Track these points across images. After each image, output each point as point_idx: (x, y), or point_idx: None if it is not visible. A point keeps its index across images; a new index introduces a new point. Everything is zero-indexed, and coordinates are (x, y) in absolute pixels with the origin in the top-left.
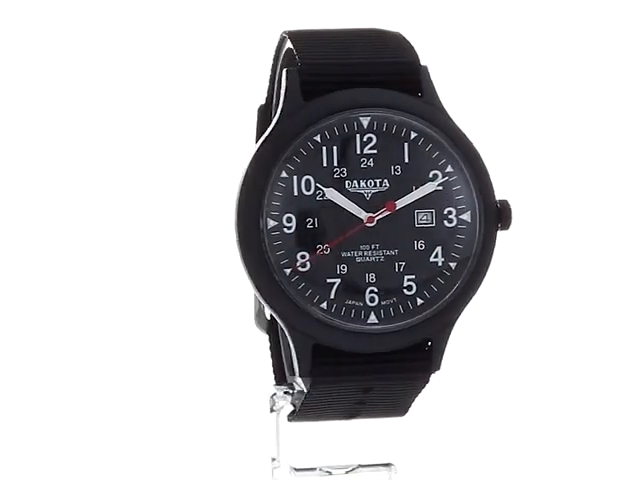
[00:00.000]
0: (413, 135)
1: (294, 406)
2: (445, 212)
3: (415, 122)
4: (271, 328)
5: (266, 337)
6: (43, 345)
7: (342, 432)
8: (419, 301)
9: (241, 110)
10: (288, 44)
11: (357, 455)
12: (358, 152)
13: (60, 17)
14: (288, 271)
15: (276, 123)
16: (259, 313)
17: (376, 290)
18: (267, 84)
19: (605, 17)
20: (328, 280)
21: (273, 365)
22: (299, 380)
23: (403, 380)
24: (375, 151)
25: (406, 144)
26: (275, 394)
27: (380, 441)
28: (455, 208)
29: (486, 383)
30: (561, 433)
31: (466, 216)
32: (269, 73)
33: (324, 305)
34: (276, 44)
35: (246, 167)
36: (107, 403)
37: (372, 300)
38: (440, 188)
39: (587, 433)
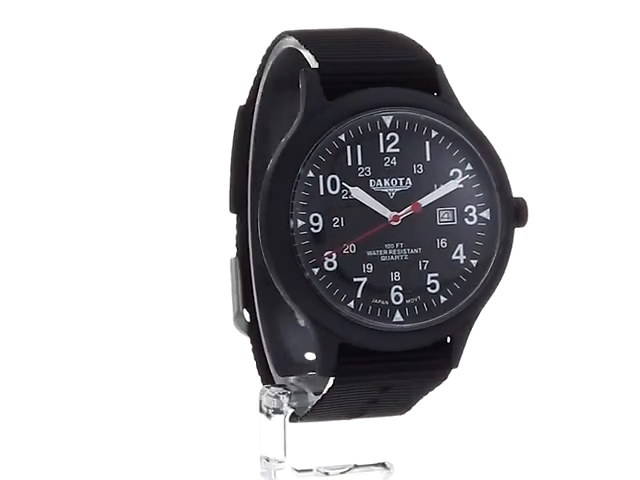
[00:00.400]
0: (434, 134)
1: (293, 408)
2: (466, 210)
3: (436, 120)
4: (251, 329)
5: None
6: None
7: (338, 432)
8: (442, 299)
9: (217, 110)
10: (289, 44)
11: (354, 455)
12: (381, 151)
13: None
14: (316, 270)
15: (300, 123)
16: (238, 314)
17: (401, 289)
18: (243, 84)
19: (611, 17)
20: (355, 279)
21: (258, 367)
22: (293, 380)
23: (422, 378)
24: (398, 150)
25: (427, 142)
26: (280, 395)
27: (377, 441)
28: (475, 206)
29: (485, 382)
30: (560, 432)
31: (485, 214)
32: (253, 73)
33: (351, 304)
34: (264, 45)
35: (271, 168)
36: (98, 406)
37: (397, 299)
38: (461, 186)
39: (589, 433)
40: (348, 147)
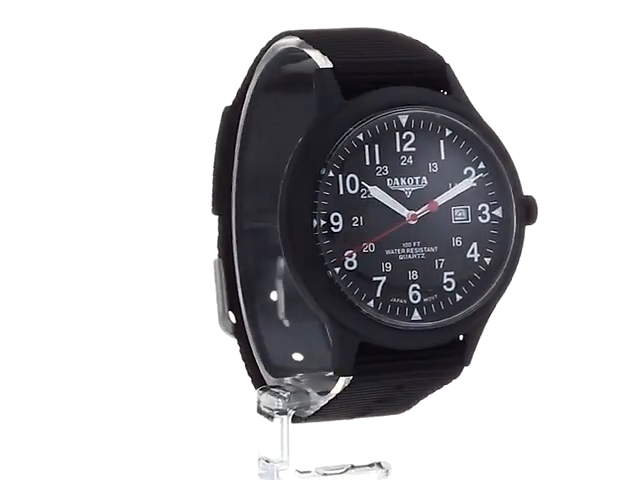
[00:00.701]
0: (448, 132)
1: (293, 409)
2: (479, 208)
3: (450, 119)
4: (237, 331)
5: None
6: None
7: (334, 432)
8: (458, 297)
9: (197, 112)
10: (290, 44)
11: (351, 455)
12: (398, 150)
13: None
14: (337, 269)
15: (319, 123)
16: (223, 316)
17: (419, 287)
18: (222, 86)
19: (611, 17)
20: (374, 278)
21: (247, 368)
22: (290, 380)
23: (436, 376)
24: (414, 149)
25: (442, 141)
26: (284, 395)
27: (374, 441)
28: (488, 204)
29: (482, 381)
30: (560, 432)
31: (498, 212)
32: (233, 74)
33: (371, 303)
34: (242, 46)
35: (292, 168)
36: (92, 411)
37: (415, 297)
38: (474, 184)
39: (589, 433)
40: (366, 146)
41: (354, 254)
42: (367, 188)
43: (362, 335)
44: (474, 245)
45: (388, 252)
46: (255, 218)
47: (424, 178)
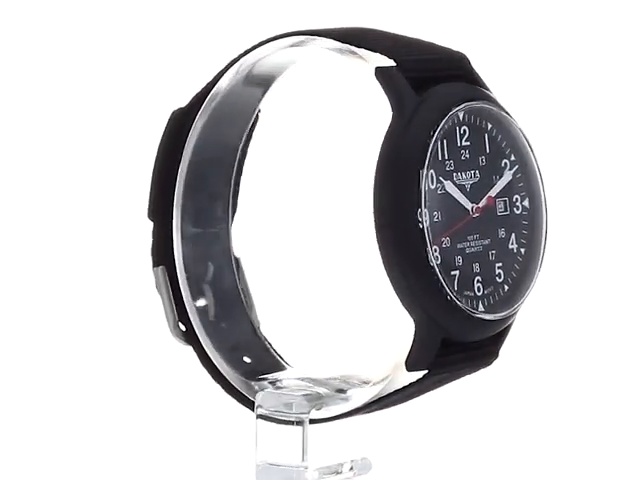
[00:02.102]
0: (489, 126)
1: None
2: (514, 199)
3: (500, 112)
4: (191, 339)
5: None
6: None
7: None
8: (506, 288)
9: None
10: (290, 44)
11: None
12: (458, 144)
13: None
14: (432, 264)
15: (405, 122)
16: (175, 325)
17: (480, 280)
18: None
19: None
20: (452, 272)
21: (212, 375)
22: (266, 385)
23: (475, 366)
24: (469, 143)
25: (486, 135)
26: (303, 397)
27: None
28: (519, 195)
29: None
30: (557, 431)
31: (526, 202)
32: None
33: (452, 296)
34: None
35: (386, 168)
36: (87, 415)
37: (479, 290)
38: (511, 177)
39: (587, 433)
40: (438, 142)
41: (437, 249)
42: (443, 183)
43: (447, 329)
44: (513, 236)
45: (459, 246)
46: (193, 222)
47: (477, 172)
